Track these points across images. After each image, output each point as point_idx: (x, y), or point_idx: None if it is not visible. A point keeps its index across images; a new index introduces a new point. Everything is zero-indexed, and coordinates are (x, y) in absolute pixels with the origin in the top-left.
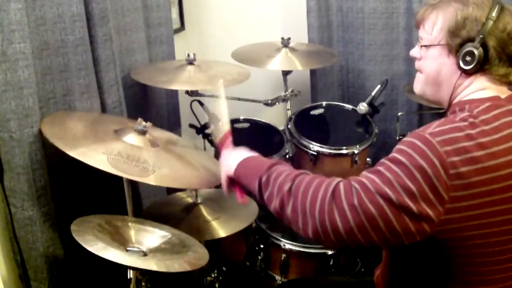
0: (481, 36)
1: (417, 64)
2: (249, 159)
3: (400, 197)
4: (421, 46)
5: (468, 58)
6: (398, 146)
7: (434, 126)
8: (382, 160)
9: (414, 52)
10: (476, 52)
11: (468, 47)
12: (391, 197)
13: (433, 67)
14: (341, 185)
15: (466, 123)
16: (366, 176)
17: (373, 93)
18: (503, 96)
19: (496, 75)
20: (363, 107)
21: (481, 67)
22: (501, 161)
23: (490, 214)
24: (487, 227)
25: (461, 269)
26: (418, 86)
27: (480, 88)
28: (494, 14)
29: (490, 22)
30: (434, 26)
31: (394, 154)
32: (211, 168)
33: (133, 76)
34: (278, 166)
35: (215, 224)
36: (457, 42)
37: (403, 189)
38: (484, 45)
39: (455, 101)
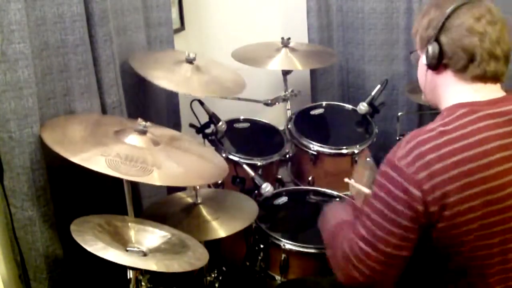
0: (434, 32)
1: None
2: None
3: (396, 235)
4: (411, 53)
5: (427, 55)
6: (378, 179)
7: (403, 145)
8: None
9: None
10: (430, 47)
11: (427, 45)
12: (390, 241)
13: (419, 71)
14: (347, 248)
15: (434, 133)
16: (359, 235)
17: (373, 93)
18: (485, 99)
19: (464, 72)
20: (363, 107)
21: (440, 62)
22: (475, 165)
23: (483, 217)
24: (482, 229)
25: (465, 271)
26: (422, 95)
27: (458, 91)
28: (448, 11)
29: (442, 19)
30: (417, 34)
31: (377, 192)
32: (215, 160)
33: (131, 63)
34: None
35: (215, 224)
36: (423, 43)
37: (395, 226)
38: (438, 41)
39: (443, 107)
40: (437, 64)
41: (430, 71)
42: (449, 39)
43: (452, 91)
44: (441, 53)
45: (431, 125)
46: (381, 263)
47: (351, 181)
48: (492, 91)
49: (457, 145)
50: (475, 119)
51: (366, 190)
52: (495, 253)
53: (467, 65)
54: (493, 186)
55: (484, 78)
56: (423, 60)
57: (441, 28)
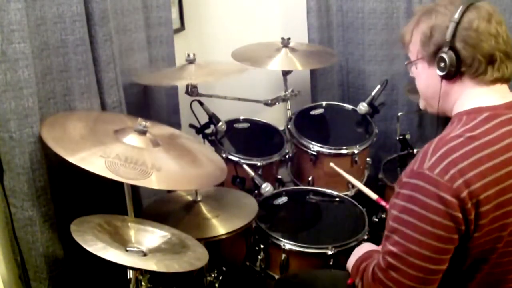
0: (447, 40)
1: (416, 82)
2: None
3: (435, 249)
4: (406, 64)
5: (442, 65)
6: (403, 191)
7: (429, 156)
8: (394, 213)
9: (411, 72)
10: (445, 56)
11: (440, 54)
12: (428, 255)
13: (422, 81)
14: (375, 267)
15: (462, 139)
16: (388, 251)
17: (373, 93)
18: (501, 102)
19: (484, 76)
20: (363, 107)
21: (458, 70)
22: (505, 172)
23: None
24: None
25: (488, 279)
26: (420, 103)
27: (475, 95)
28: (456, 16)
29: (453, 25)
30: (413, 44)
31: (405, 205)
32: (216, 160)
33: (136, 79)
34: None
35: (215, 222)
36: (430, 52)
37: (433, 239)
38: (453, 48)
39: (455, 111)
40: (455, 73)
41: (445, 81)
42: (466, 45)
43: (467, 95)
44: (459, 61)
45: (454, 132)
46: (419, 280)
47: (336, 167)
48: (505, 93)
49: (488, 151)
50: (499, 124)
51: (350, 178)
52: None
53: (486, 69)
54: None
55: (502, 80)
56: (438, 72)
57: (454, 35)
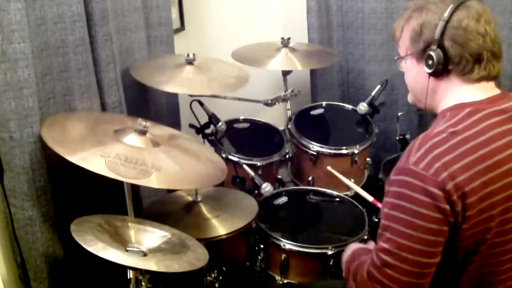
0: (435, 38)
1: (404, 77)
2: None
3: (426, 242)
4: (396, 59)
5: (430, 62)
6: (391, 189)
7: (414, 152)
8: (385, 210)
9: (400, 67)
10: (433, 54)
11: (428, 51)
12: (421, 249)
13: (411, 77)
14: (369, 265)
15: (445, 134)
16: (381, 248)
17: (373, 93)
18: (485, 97)
19: (470, 75)
20: (363, 107)
21: (445, 68)
22: (489, 163)
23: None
24: (501, 225)
25: (475, 269)
26: (409, 97)
27: (460, 93)
28: (446, 14)
29: (442, 23)
30: (403, 40)
31: (394, 202)
32: (216, 161)
33: (132, 72)
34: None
35: (215, 222)
36: (419, 48)
37: (423, 232)
38: (442, 46)
39: (441, 108)
40: (442, 71)
41: (432, 78)
42: (455, 44)
43: (453, 93)
44: (447, 59)
45: (437, 128)
46: (414, 274)
47: (333, 170)
48: (490, 89)
49: (471, 144)
50: (481, 117)
51: (346, 181)
52: (509, 249)
53: (473, 67)
54: (509, 181)
55: (488, 78)
56: (426, 69)
57: (443, 33)
